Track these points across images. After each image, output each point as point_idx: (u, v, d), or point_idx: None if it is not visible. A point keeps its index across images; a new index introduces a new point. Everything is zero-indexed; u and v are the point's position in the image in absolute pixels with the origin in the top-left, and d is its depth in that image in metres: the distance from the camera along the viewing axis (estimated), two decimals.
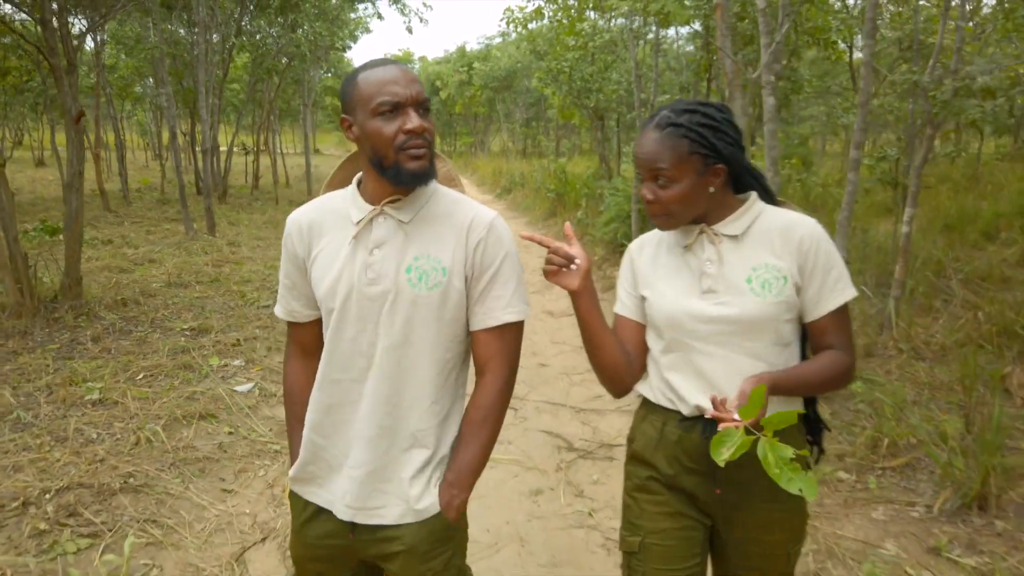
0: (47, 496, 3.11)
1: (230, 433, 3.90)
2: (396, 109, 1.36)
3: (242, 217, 12.41)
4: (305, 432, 1.52)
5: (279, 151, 19.72)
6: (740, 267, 1.48)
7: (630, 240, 7.82)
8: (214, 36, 11.68)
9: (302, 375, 1.58)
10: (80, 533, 2.91)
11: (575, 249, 1.48)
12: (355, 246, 1.44)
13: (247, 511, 3.19)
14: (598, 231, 8.20)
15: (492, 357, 1.50)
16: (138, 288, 6.68)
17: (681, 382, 1.52)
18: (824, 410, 3.74)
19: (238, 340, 5.36)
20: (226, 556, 2.86)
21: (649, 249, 1.62)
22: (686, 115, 1.45)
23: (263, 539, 2.99)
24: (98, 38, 11.36)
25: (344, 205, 1.49)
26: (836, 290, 1.47)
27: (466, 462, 1.49)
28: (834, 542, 2.73)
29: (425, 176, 1.40)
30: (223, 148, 15.60)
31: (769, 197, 1.56)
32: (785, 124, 9.55)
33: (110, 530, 2.95)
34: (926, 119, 4.38)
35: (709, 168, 1.46)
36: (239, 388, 4.48)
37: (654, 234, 1.64)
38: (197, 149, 14.95)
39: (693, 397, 1.49)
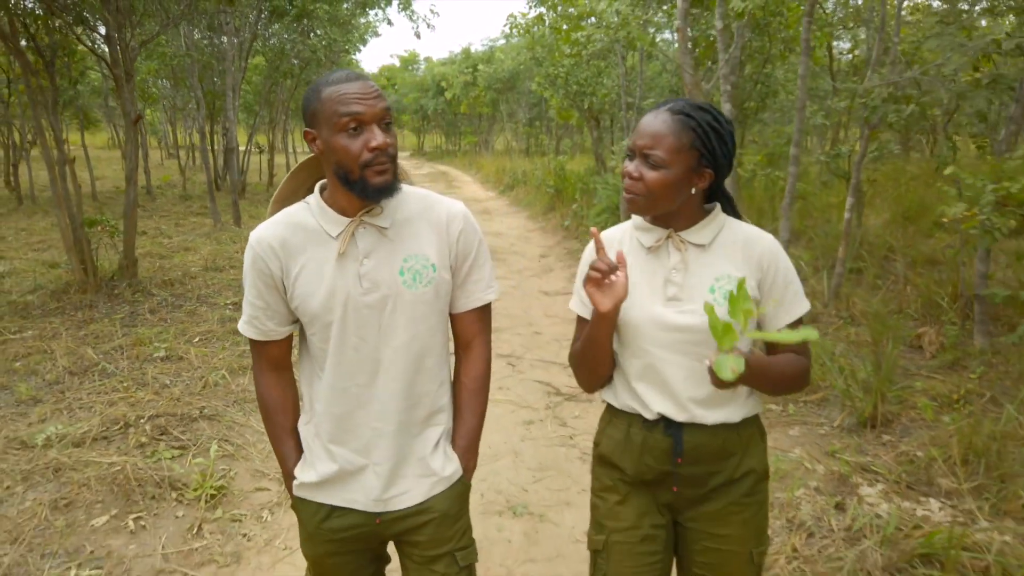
0: (142, 420, 3.94)
1: None
2: (360, 126, 1.39)
3: (261, 211, 13.25)
4: (318, 443, 1.56)
5: (292, 150, 20.54)
6: (704, 277, 1.51)
7: None
8: (233, 40, 12.50)
9: (277, 388, 1.60)
10: (172, 445, 3.74)
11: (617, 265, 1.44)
12: (342, 259, 1.47)
13: None
14: (591, 221, 9.08)
15: (477, 334, 1.63)
16: (180, 271, 7.52)
17: (646, 390, 1.56)
18: None
19: None
20: None
21: (615, 248, 1.57)
22: (701, 112, 1.47)
23: None
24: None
25: (312, 220, 1.50)
26: (795, 304, 1.54)
27: (472, 428, 1.64)
28: None
29: (390, 189, 1.44)
30: (241, 148, 16.44)
31: (733, 211, 1.61)
32: (765, 124, 10.33)
33: (194, 444, 3.77)
34: (862, 121, 5.18)
35: (700, 169, 1.48)
36: None
37: (618, 233, 1.65)
38: (216, 148, 15.75)
39: (656, 404, 1.55)
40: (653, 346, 1.52)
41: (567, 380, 4.85)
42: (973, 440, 3.21)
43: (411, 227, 1.51)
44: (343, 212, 1.48)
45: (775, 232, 6.30)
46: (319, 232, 1.49)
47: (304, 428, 1.60)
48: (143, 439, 3.75)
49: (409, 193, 1.55)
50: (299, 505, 1.60)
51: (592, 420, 4.21)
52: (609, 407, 1.67)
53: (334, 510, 1.55)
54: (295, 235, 1.49)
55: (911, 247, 6.94)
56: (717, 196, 1.59)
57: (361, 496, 1.53)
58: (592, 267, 1.42)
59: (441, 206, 1.56)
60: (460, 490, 1.62)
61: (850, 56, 11.33)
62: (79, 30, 5.76)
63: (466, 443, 1.63)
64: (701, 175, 1.49)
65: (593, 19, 10.68)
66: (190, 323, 5.77)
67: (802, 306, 1.55)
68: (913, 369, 4.36)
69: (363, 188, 1.41)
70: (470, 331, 1.63)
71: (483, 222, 11.56)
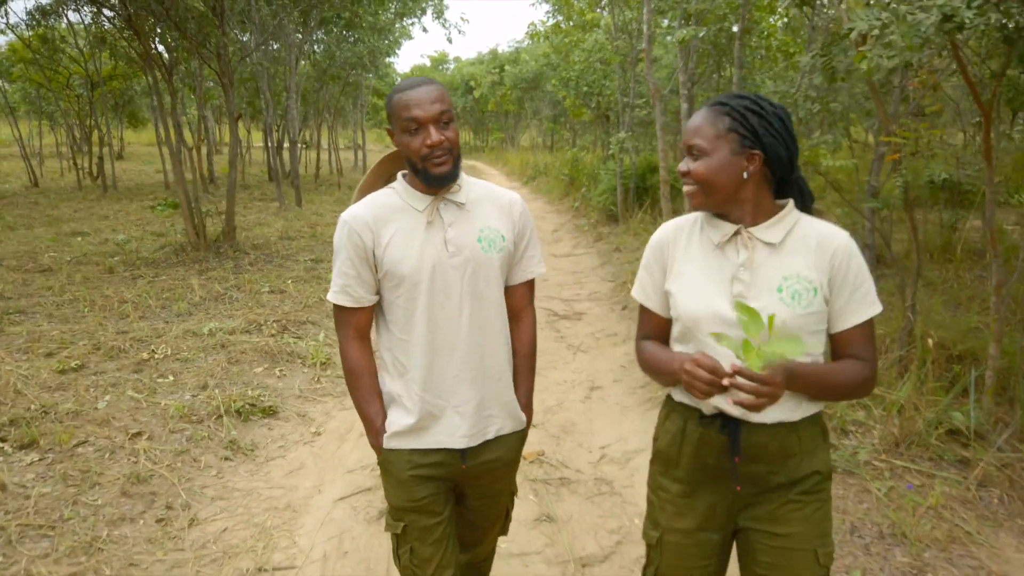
0: (268, 322, 5.76)
1: None
2: (419, 127, 1.62)
3: (314, 197, 15.18)
4: (408, 395, 1.74)
5: (336, 146, 22.50)
6: (773, 275, 1.47)
7: (617, 206, 10.29)
8: (290, 47, 14.35)
9: (364, 355, 1.78)
10: (292, 336, 5.56)
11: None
12: (430, 227, 1.70)
13: None
14: (595, 200, 10.82)
15: (527, 305, 1.86)
16: (262, 239, 9.39)
17: None
18: None
19: None
20: None
21: (682, 240, 1.60)
22: (736, 99, 1.50)
23: None
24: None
25: (398, 199, 1.73)
26: (864, 304, 1.48)
27: (530, 387, 1.88)
28: None
29: (448, 178, 1.67)
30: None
31: (805, 206, 1.57)
32: None
33: (306, 335, 5.59)
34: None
35: (745, 150, 1.46)
36: None
37: (686, 224, 1.63)
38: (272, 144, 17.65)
39: (713, 399, 1.47)
40: (713, 340, 1.45)
41: (562, 307, 6.60)
42: None
43: (482, 206, 1.77)
44: (425, 191, 1.72)
45: None
46: (406, 208, 1.72)
47: (394, 384, 1.77)
48: (272, 332, 5.58)
49: (474, 182, 1.81)
50: (389, 457, 1.77)
51: (580, 328, 5.96)
52: (668, 399, 1.67)
53: (425, 453, 1.75)
54: (383, 211, 1.72)
55: (851, 217, 8.57)
56: (789, 190, 1.56)
57: (446, 437, 1.74)
58: (697, 386, 1.37)
59: (502, 193, 1.83)
60: (523, 437, 1.88)
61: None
62: (202, 51, 7.61)
63: (526, 400, 1.87)
64: (750, 157, 1.47)
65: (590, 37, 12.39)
66: (282, 271, 7.62)
67: (873, 307, 1.50)
68: None
69: (426, 176, 1.66)
70: (521, 302, 1.85)
71: None
